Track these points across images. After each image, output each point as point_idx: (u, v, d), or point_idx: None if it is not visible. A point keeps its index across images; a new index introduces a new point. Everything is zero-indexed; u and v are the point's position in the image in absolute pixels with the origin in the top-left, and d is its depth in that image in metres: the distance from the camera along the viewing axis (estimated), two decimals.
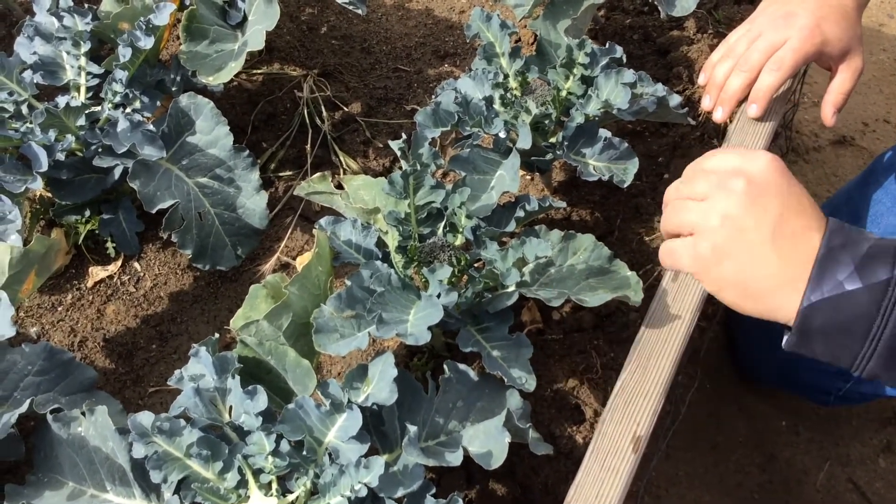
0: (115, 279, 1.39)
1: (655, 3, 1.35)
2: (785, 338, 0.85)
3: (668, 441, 1.57)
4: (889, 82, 2.34)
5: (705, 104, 1.26)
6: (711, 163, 0.93)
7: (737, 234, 0.85)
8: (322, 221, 1.09)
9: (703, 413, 1.69)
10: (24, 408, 1.03)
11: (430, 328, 0.92)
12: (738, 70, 1.20)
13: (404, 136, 1.16)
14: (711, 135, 1.38)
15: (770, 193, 0.85)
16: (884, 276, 0.78)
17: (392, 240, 1.07)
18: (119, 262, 1.40)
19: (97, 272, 1.39)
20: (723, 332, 1.78)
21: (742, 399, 1.73)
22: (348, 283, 1.00)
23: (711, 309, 1.55)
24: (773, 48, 1.17)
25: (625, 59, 1.21)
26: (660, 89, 1.18)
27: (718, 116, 1.23)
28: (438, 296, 0.96)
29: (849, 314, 0.79)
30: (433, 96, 1.26)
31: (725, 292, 0.88)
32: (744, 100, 1.22)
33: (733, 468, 1.65)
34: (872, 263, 0.79)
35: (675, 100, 1.20)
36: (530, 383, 0.99)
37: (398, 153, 1.08)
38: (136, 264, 1.40)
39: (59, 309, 1.35)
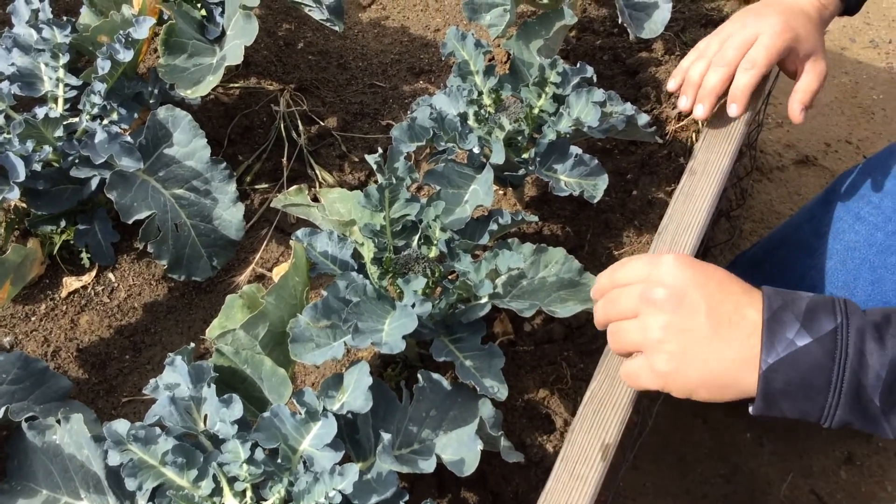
0: (89, 289, 1.39)
1: (625, 25, 1.39)
2: (750, 407, 0.87)
3: (635, 452, 1.59)
4: (850, 104, 2.41)
5: (683, 104, 1.27)
6: (623, 274, 0.96)
7: (682, 339, 0.87)
8: (299, 233, 1.11)
9: (669, 425, 1.72)
10: None
11: (404, 337, 0.95)
12: (715, 66, 1.22)
13: (380, 151, 1.18)
14: (678, 153, 1.42)
15: (690, 291, 0.88)
16: (829, 327, 0.82)
17: (368, 251, 1.09)
18: (93, 273, 1.41)
19: (71, 282, 1.39)
20: None
21: (707, 411, 1.76)
22: (325, 293, 1.01)
23: None
24: (746, 44, 1.20)
25: (595, 79, 1.25)
26: (629, 108, 1.21)
27: (700, 112, 1.24)
28: (413, 306, 0.98)
29: (806, 369, 0.81)
30: (408, 112, 1.28)
31: (698, 393, 0.90)
32: (723, 95, 1.24)
33: (699, 479, 1.68)
34: (816, 316, 0.83)
35: (644, 119, 1.24)
36: (502, 392, 1.01)
37: (374, 167, 1.11)
38: (111, 275, 1.41)
39: (33, 319, 1.35)
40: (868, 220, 1.26)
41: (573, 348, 1.25)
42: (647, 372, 0.92)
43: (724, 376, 0.86)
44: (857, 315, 0.83)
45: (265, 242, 1.44)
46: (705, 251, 1.85)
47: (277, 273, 1.38)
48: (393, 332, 0.96)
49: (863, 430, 0.84)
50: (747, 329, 0.85)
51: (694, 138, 1.42)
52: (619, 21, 1.40)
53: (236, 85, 1.65)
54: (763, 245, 1.54)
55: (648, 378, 0.92)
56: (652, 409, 1.56)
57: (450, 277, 1.12)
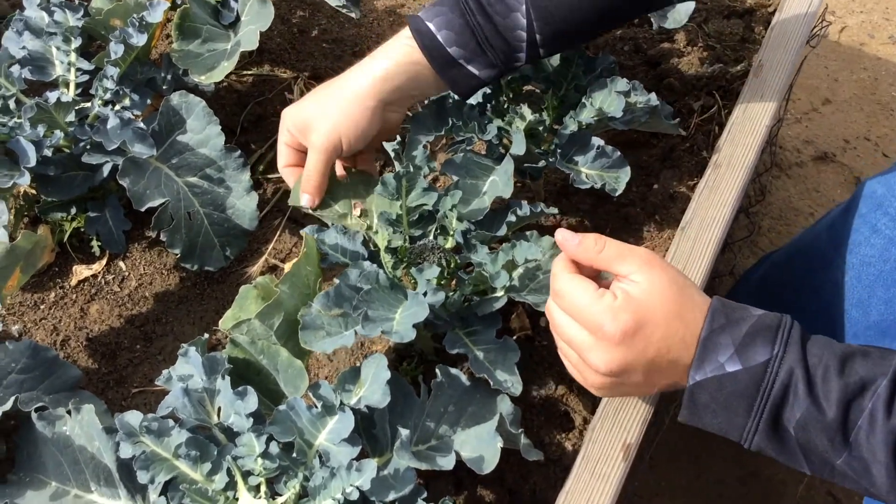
0: (99, 278, 1.37)
1: (649, 15, 1.36)
2: (679, 413, 0.88)
3: (651, 452, 1.57)
4: (870, 100, 2.38)
5: None
6: (565, 307, 0.89)
7: (620, 383, 0.88)
8: (307, 230, 1.09)
9: (685, 425, 1.70)
10: (7, 405, 1.01)
11: (416, 328, 0.93)
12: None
13: (398, 138, 1.16)
14: (701, 146, 1.39)
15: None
16: (762, 358, 0.81)
17: (382, 240, 1.07)
18: (104, 261, 1.38)
19: (81, 271, 1.37)
20: None
21: None
22: (337, 281, 1.00)
23: None
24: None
25: (617, 69, 1.22)
26: (653, 99, 1.18)
27: None
28: (425, 294, 0.96)
29: (729, 393, 0.81)
30: (425, 101, 1.26)
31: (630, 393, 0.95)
32: None
33: (714, 480, 1.66)
34: (752, 344, 0.81)
35: (667, 110, 1.21)
36: (516, 387, 0.99)
37: (392, 154, 1.08)
38: (122, 263, 1.38)
39: (42, 307, 1.33)
40: (884, 232, 1.17)
41: None
42: (578, 376, 0.92)
43: (660, 385, 0.90)
44: (796, 348, 0.81)
45: (278, 233, 1.42)
46: (724, 247, 1.82)
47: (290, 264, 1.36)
48: (404, 321, 0.94)
49: (779, 460, 0.84)
50: (677, 373, 0.86)
51: (717, 131, 1.40)
52: None
53: (249, 72, 1.63)
54: (786, 250, 1.49)
55: (578, 377, 0.92)
56: (669, 407, 1.54)
57: (466, 269, 1.09)
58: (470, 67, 1.08)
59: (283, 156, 1.17)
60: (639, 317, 0.84)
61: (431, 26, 1.06)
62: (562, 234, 0.90)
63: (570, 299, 0.87)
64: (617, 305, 0.84)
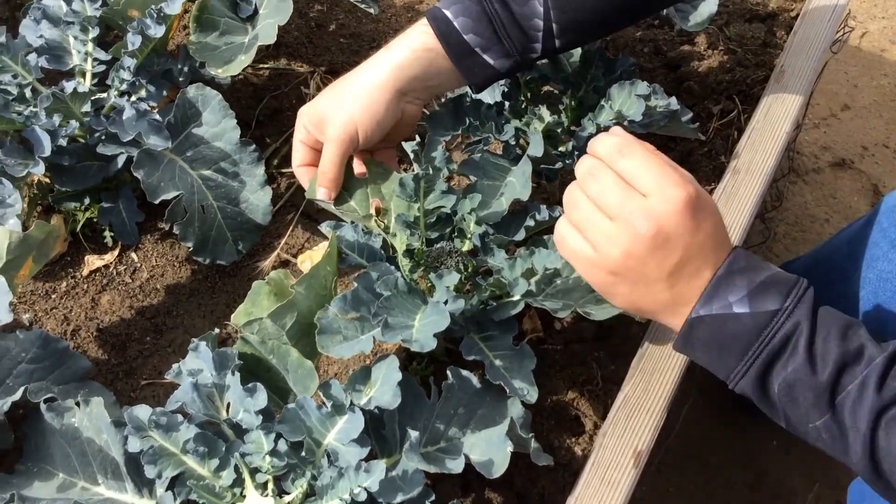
0: (111, 269, 1.37)
1: (669, 16, 1.35)
2: (673, 342, 0.89)
3: (660, 456, 1.56)
4: (889, 107, 2.35)
5: None
6: (627, 166, 0.85)
7: (635, 271, 0.85)
8: (324, 225, 1.08)
9: (694, 429, 1.69)
10: (17, 395, 1.01)
11: (435, 335, 0.91)
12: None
13: (418, 139, 1.15)
14: (719, 151, 1.38)
15: (674, 241, 0.83)
16: (772, 307, 0.81)
17: (400, 243, 1.06)
18: (116, 252, 1.38)
19: (93, 261, 1.37)
20: None
21: (734, 417, 1.72)
22: (355, 284, 0.98)
23: None
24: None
25: (637, 71, 1.21)
26: (673, 103, 1.17)
27: None
28: (445, 302, 0.95)
29: (731, 334, 0.82)
30: (442, 99, 1.25)
31: (614, 301, 0.90)
32: None
33: (723, 486, 1.65)
34: (765, 292, 0.81)
35: (687, 114, 1.20)
36: (532, 395, 0.98)
37: (411, 155, 1.07)
38: (134, 255, 1.38)
39: (53, 296, 1.33)
40: None
41: (604, 348, 1.22)
42: (582, 263, 0.88)
43: (647, 308, 0.88)
44: (807, 306, 0.81)
45: (291, 228, 1.42)
46: None
47: (302, 260, 1.36)
48: (424, 330, 0.92)
49: (759, 407, 0.85)
50: (696, 287, 0.84)
51: (736, 136, 1.38)
52: (662, 12, 1.36)
53: (266, 66, 1.62)
54: (805, 261, 1.46)
55: (581, 266, 0.89)
56: (679, 412, 1.53)
57: (481, 272, 1.08)
58: (486, 57, 1.07)
59: (299, 154, 1.15)
60: (678, 231, 0.83)
61: (448, 13, 1.05)
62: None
63: (643, 162, 0.84)
64: (665, 209, 0.82)
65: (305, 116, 1.12)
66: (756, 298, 0.81)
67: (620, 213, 0.84)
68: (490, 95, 1.24)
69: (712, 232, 0.84)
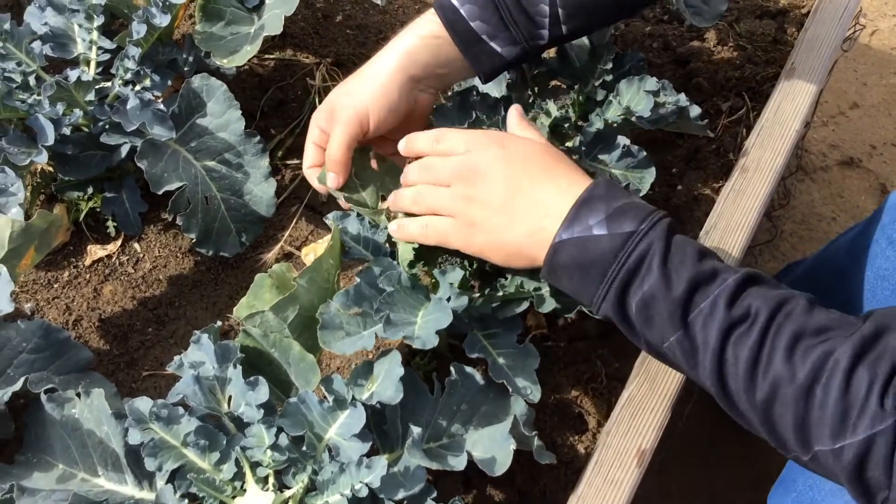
0: (113, 259, 1.36)
1: (681, 11, 1.33)
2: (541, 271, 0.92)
3: (662, 455, 1.55)
4: None
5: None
6: (445, 147, 0.97)
7: (481, 213, 0.92)
8: (331, 216, 1.07)
9: (697, 429, 1.68)
10: (17, 385, 1.00)
11: (437, 332, 0.91)
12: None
13: None
14: (728, 148, 1.36)
15: (497, 174, 0.92)
16: (627, 229, 0.85)
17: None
18: (119, 242, 1.38)
19: (96, 251, 1.37)
20: None
21: None
22: (357, 279, 0.98)
23: None
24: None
25: (645, 67, 1.20)
26: (682, 99, 1.16)
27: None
28: (448, 299, 0.94)
29: (590, 256, 0.85)
30: (449, 92, 1.24)
31: (487, 255, 0.95)
32: None
33: (725, 485, 1.64)
34: (623, 216, 0.86)
35: (696, 111, 1.18)
36: (535, 394, 0.98)
37: None
38: (136, 245, 1.38)
39: (55, 286, 1.33)
40: None
41: (608, 346, 1.21)
42: (442, 230, 0.95)
43: (515, 244, 0.92)
44: (661, 229, 0.85)
45: (294, 220, 1.41)
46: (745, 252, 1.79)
47: (306, 253, 1.35)
48: (426, 326, 0.92)
49: (621, 330, 0.89)
50: (549, 212, 0.89)
51: (745, 133, 1.37)
52: (672, 7, 1.35)
53: (271, 56, 1.61)
54: (810, 262, 1.45)
55: (440, 234, 0.95)
56: (682, 411, 1.52)
57: (486, 268, 1.07)
58: (493, 44, 1.06)
59: (310, 155, 1.11)
60: (498, 167, 0.93)
61: (455, 1, 1.04)
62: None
63: (456, 136, 0.98)
64: (483, 154, 0.94)
65: (317, 113, 1.10)
66: (613, 221, 0.85)
67: (452, 173, 0.94)
68: (497, 89, 1.23)
69: (544, 167, 0.92)
